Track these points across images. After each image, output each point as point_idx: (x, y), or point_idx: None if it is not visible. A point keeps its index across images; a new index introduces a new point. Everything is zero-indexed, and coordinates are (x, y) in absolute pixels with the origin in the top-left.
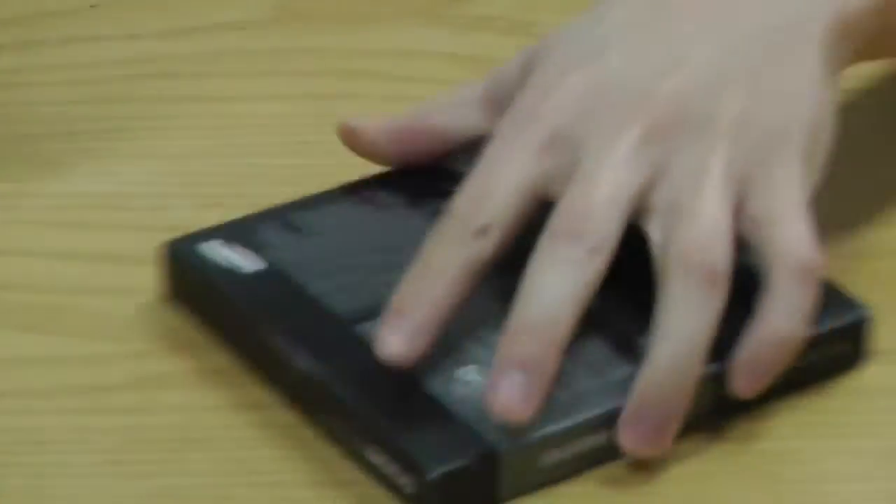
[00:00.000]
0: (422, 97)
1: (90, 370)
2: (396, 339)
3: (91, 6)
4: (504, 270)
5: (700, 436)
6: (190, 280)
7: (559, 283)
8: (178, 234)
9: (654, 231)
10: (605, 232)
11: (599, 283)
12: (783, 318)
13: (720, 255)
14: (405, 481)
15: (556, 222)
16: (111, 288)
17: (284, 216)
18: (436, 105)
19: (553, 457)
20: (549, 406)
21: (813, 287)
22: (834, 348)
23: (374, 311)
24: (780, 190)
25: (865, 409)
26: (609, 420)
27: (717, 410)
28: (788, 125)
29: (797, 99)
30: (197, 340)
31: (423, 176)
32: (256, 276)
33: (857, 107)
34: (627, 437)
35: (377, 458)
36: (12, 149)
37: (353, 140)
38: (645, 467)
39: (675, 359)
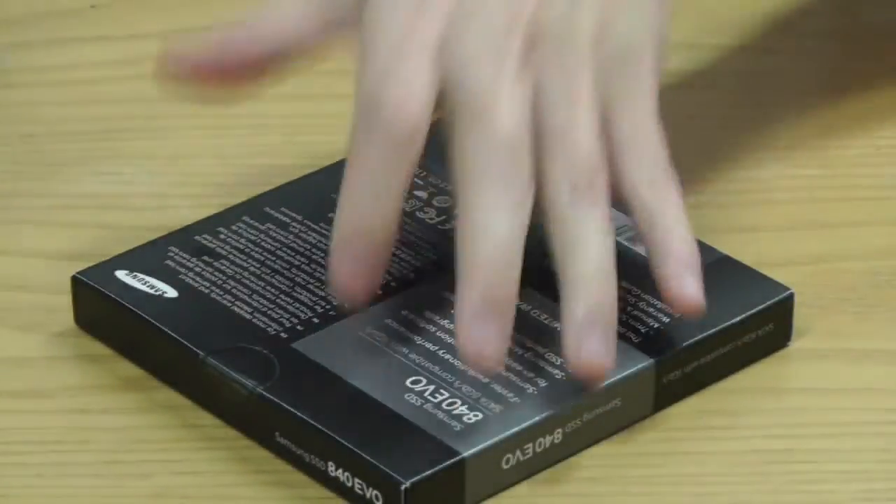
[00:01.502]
0: None
1: (90, 370)
2: (350, 271)
3: (91, 6)
4: (436, 284)
5: (699, 436)
6: (106, 310)
7: (507, 223)
8: None
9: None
10: (527, 173)
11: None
12: (679, 224)
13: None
14: (374, 494)
15: (489, 160)
16: None
17: (187, 240)
18: (255, 14)
19: (514, 458)
20: (508, 409)
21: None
22: (760, 329)
23: (308, 327)
24: (639, 106)
25: (865, 410)
26: (563, 419)
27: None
28: (643, 38)
29: (646, 10)
30: None
31: (318, 189)
32: (177, 301)
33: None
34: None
35: (339, 473)
36: (12, 149)
37: (179, 66)
38: (644, 466)
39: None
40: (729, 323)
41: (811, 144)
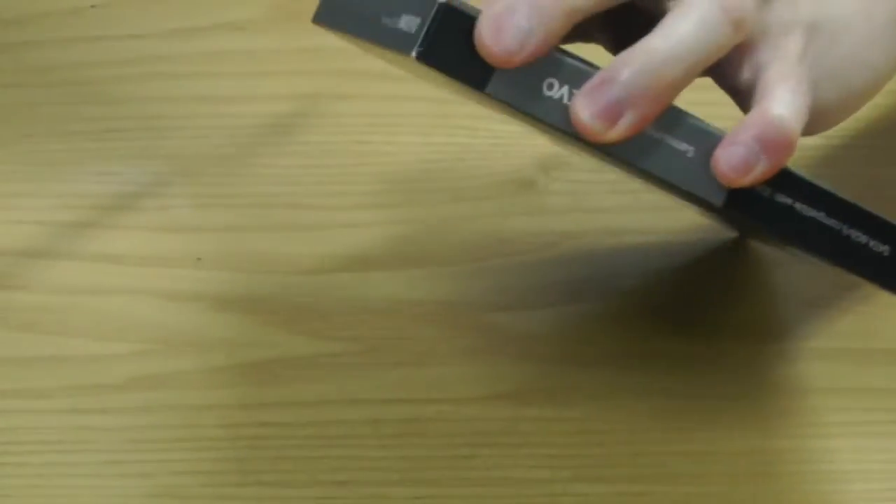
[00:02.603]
0: (421, 97)
1: (90, 370)
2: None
3: (91, 6)
4: None
5: (700, 436)
6: None
7: (698, 37)
8: (178, 234)
9: None
10: (750, 15)
11: (718, 57)
12: (782, 107)
13: (752, 10)
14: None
15: None
16: (111, 288)
17: None
18: None
19: (557, 87)
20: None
21: (807, 107)
22: (875, 238)
23: None
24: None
25: (866, 409)
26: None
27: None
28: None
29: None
30: (197, 340)
31: None
32: None
33: None
34: (579, 103)
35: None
36: (12, 149)
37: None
38: (643, 466)
39: (665, 52)
40: (852, 201)
41: (810, 144)
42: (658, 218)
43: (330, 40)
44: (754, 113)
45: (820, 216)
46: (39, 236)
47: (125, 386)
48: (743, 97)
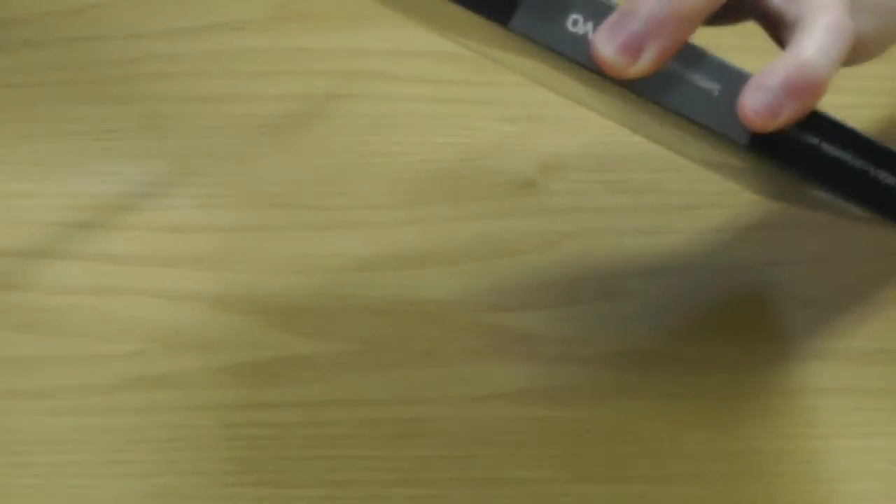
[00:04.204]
0: (421, 97)
1: (90, 370)
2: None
3: (91, 6)
4: None
5: (699, 436)
6: None
7: None
8: (178, 234)
9: None
10: None
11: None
12: (812, 51)
13: None
14: None
15: None
16: (111, 288)
17: None
18: None
19: (580, 23)
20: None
21: (846, 42)
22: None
23: None
24: None
25: (865, 410)
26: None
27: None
28: None
29: None
30: (197, 340)
31: None
32: None
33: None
34: (600, 38)
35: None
36: (14, 149)
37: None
38: (644, 466)
39: None
40: (880, 142)
41: None
42: (658, 218)
43: (330, 40)
44: (785, 56)
45: (847, 157)
46: (39, 236)
47: (125, 386)
48: (780, 29)
